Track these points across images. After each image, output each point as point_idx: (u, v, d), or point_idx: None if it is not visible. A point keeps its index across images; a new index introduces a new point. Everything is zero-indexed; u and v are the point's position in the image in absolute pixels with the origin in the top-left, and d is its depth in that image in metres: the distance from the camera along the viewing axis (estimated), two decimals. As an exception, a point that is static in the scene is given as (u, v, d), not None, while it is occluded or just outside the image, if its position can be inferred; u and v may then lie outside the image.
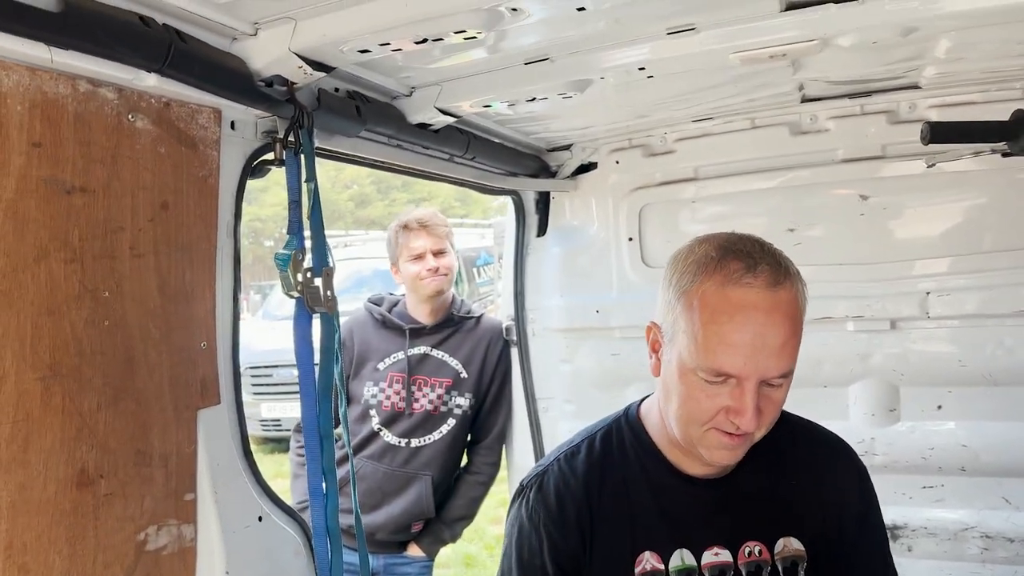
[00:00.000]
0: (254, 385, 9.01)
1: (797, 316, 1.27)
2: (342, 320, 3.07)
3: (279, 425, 8.78)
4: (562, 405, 3.07)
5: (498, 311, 3.38)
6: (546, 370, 3.08)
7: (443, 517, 2.94)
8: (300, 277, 1.55)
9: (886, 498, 2.77)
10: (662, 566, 1.38)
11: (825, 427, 1.57)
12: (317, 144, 1.70)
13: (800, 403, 2.81)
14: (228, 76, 1.43)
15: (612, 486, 1.42)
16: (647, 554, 1.38)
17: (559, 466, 1.45)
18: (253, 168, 1.65)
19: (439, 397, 2.90)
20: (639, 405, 1.51)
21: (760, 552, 1.40)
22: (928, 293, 2.54)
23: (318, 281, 1.58)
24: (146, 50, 1.26)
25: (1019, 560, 2.60)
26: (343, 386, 2.90)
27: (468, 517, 3.00)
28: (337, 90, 1.76)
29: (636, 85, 2.09)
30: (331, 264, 1.58)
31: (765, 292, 1.23)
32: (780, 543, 1.41)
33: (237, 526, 1.55)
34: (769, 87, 2.33)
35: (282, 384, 8.62)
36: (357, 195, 28.61)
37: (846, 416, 2.71)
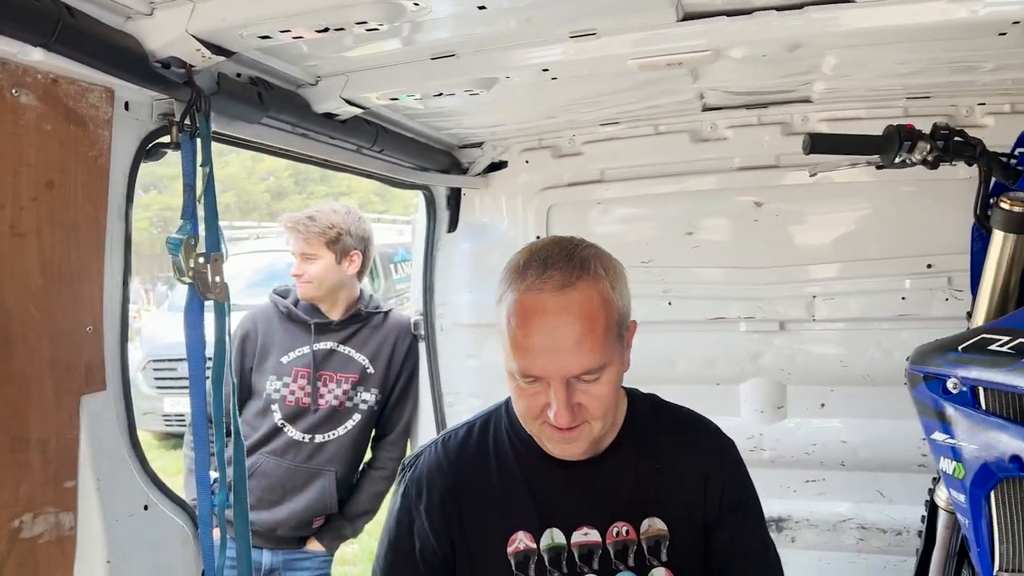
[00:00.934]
0: (157, 379, 8.73)
1: (595, 312, 1.33)
2: (247, 311, 3.04)
3: (183, 420, 8.52)
4: (468, 400, 3.10)
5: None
6: (453, 365, 3.10)
7: (345, 512, 2.92)
8: (192, 263, 1.53)
9: (772, 491, 2.94)
10: (534, 545, 1.45)
11: (695, 411, 1.65)
12: (218, 129, 1.68)
13: (694, 399, 2.91)
14: (120, 55, 1.40)
15: (484, 469, 1.49)
16: (520, 533, 1.46)
17: (435, 449, 1.54)
18: (148, 150, 1.62)
19: (345, 393, 2.88)
20: None
21: (627, 532, 1.47)
22: (814, 297, 2.68)
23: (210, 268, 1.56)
24: (32, 23, 1.22)
25: (891, 550, 2.77)
26: (237, 378, 2.86)
27: (371, 512, 2.99)
28: (239, 75, 1.74)
29: (542, 86, 2.13)
30: (223, 251, 1.56)
31: (554, 296, 1.32)
32: (645, 523, 1.48)
33: (121, 515, 1.52)
34: (671, 94, 2.41)
35: (186, 378, 8.35)
36: (274, 187, 27.98)
37: (737, 413, 2.83)
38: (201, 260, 1.54)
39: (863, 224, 2.72)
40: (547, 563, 1.45)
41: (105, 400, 1.51)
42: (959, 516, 1.75)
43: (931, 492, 2.10)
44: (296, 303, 2.94)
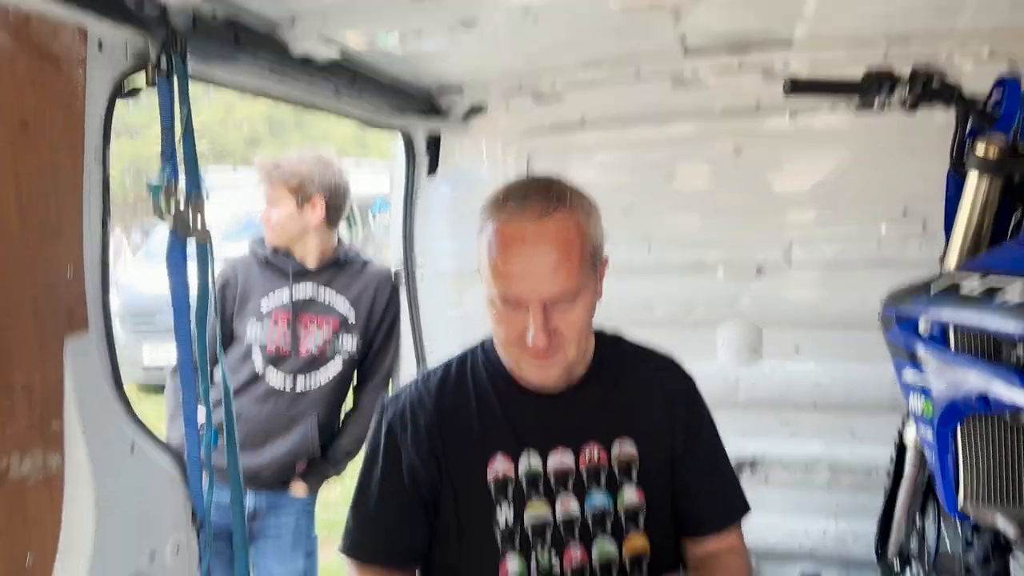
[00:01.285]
0: (135, 329, 8.68)
1: (570, 240, 1.43)
2: (226, 260, 3.03)
3: (162, 371, 8.49)
4: (449, 348, 3.12)
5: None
6: (434, 313, 3.11)
7: (328, 456, 2.96)
8: (172, 206, 1.52)
9: (747, 433, 3.01)
10: (512, 471, 1.52)
11: (657, 349, 1.76)
12: (194, 70, 1.65)
13: (672, 343, 2.97)
14: (93, -8, 1.37)
15: (464, 401, 1.56)
16: (498, 455, 1.53)
17: (416, 387, 1.61)
18: (124, 92, 1.59)
19: (326, 339, 2.89)
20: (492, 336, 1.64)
21: (599, 455, 1.56)
22: (791, 242, 2.71)
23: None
24: (2, -42, 1.20)
25: (861, 487, 2.86)
26: (219, 324, 2.86)
27: (353, 453, 3.03)
28: (215, 15, 1.70)
29: (523, 28, 2.11)
30: (204, 193, 1.55)
31: (532, 224, 1.41)
32: (616, 445, 1.57)
33: (107, 456, 1.53)
34: (652, 38, 2.39)
35: (165, 329, 8.30)
36: (249, 134, 27.51)
37: (714, 356, 2.88)
38: (181, 203, 1.53)
39: (840, 170, 2.74)
40: (524, 486, 1.52)
41: (88, 342, 1.51)
42: (926, 452, 1.81)
43: (900, 432, 2.17)
44: (275, 251, 2.93)
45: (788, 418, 2.91)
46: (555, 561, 1.52)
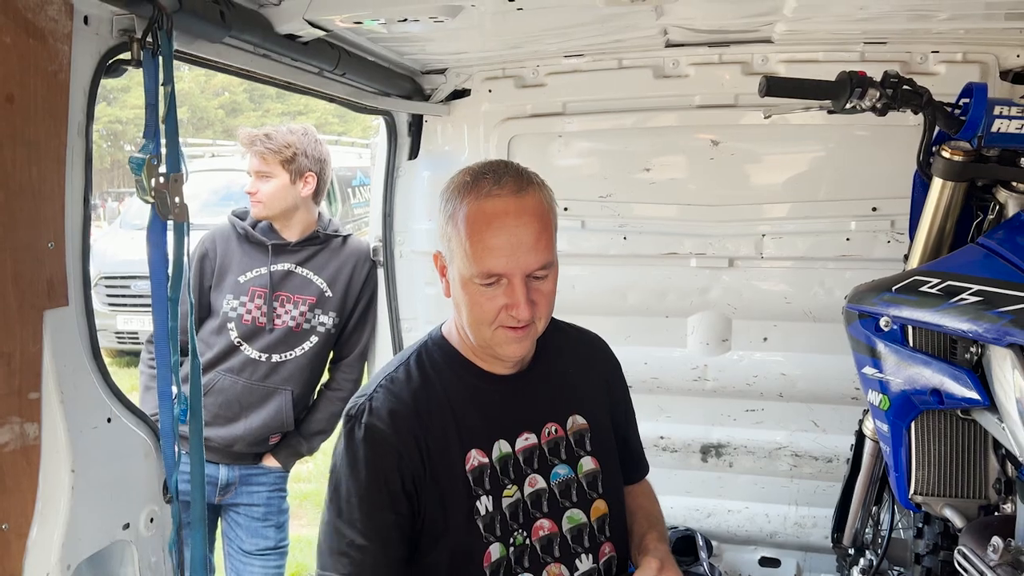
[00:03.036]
0: (109, 296, 8.61)
1: (545, 215, 1.50)
2: (206, 231, 3.03)
3: (136, 338, 8.44)
4: (425, 326, 3.15)
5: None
6: (411, 291, 3.14)
7: (301, 430, 2.98)
8: (154, 183, 1.54)
9: (714, 419, 3.08)
10: (487, 459, 1.57)
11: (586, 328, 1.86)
12: (179, 48, 1.66)
13: (645, 331, 3.02)
14: (79, -34, 1.37)
15: (436, 399, 1.57)
16: (474, 451, 1.56)
17: (384, 391, 1.57)
18: (108, 67, 1.60)
19: (302, 314, 2.91)
20: (440, 329, 1.69)
21: (556, 430, 1.65)
22: (763, 235, 2.76)
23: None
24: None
25: (821, 476, 2.95)
26: (196, 297, 2.88)
27: (326, 431, 3.06)
28: (201, -7, 1.71)
29: (508, 16, 2.13)
30: (183, 171, 1.57)
31: (512, 199, 1.46)
32: (570, 420, 1.67)
33: (84, 426, 1.55)
34: (635, 29, 2.43)
35: (139, 296, 8.24)
36: (228, 103, 27.17)
37: (684, 344, 2.95)
38: (161, 180, 1.54)
39: (814, 166, 2.80)
40: (499, 473, 1.56)
41: (67, 315, 1.53)
42: (881, 444, 1.89)
43: (860, 423, 2.24)
44: (254, 225, 2.94)
45: (754, 406, 2.98)
46: (529, 539, 1.56)
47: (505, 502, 1.56)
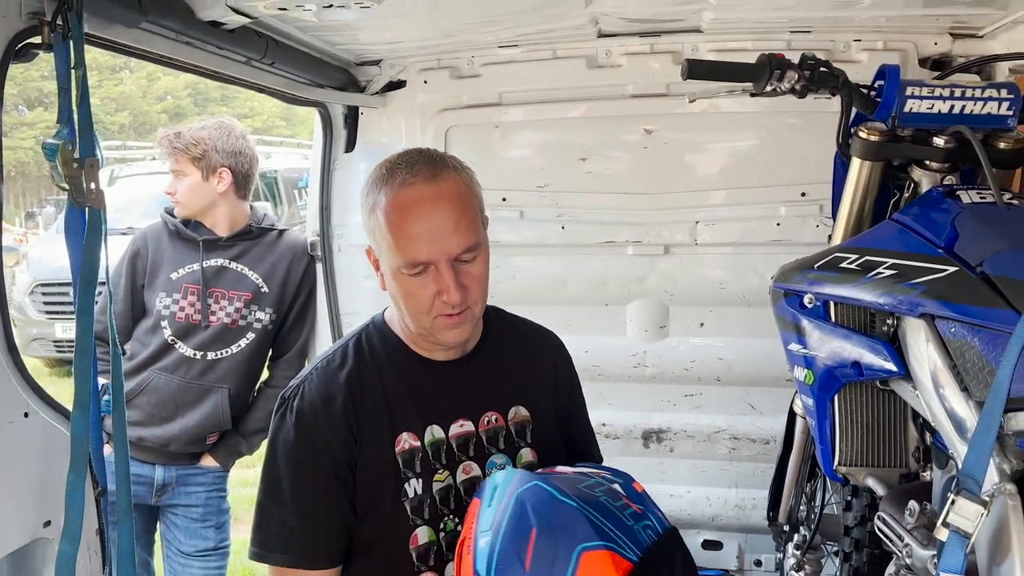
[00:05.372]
0: (47, 304, 8.36)
1: (463, 197, 1.50)
2: (137, 231, 2.96)
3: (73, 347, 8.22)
4: (365, 319, 3.13)
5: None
6: (351, 285, 3.11)
7: (240, 429, 2.94)
8: (68, 170, 1.50)
9: (654, 405, 3.11)
10: (418, 443, 1.56)
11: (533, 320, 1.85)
12: (93, 32, 1.62)
13: (585, 320, 3.03)
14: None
15: (369, 382, 1.57)
16: (405, 434, 1.55)
17: (318, 375, 1.58)
18: (17, 51, 1.55)
19: (237, 311, 2.86)
20: (383, 314, 1.68)
21: (496, 420, 1.63)
22: (697, 222, 2.81)
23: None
24: None
25: (759, 457, 3.00)
26: (130, 296, 2.83)
27: (265, 430, 2.95)
28: (116, -26, 1.67)
29: (439, 2, 2.13)
30: (98, 157, 1.53)
31: (426, 186, 1.46)
32: (512, 411, 1.65)
33: (0, 421, 1.51)
34: (565, 18, 2.44)
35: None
36: (171, 107, 26.61)
37: (623, 332, 2.98)
38: (75, 166, 1.50)
39: (746, 154, 2.85)
40: (431, 457, 1.56)
41: (-23, 308, 1.48)
42: (808, 419, 1.93)
43: (792, 402, 2.29)
44: (186, 221, 2.89)
45: (693, 391, 3.03)
46: (461, 526, 1.54)
47: (436, 486, 1.56)
